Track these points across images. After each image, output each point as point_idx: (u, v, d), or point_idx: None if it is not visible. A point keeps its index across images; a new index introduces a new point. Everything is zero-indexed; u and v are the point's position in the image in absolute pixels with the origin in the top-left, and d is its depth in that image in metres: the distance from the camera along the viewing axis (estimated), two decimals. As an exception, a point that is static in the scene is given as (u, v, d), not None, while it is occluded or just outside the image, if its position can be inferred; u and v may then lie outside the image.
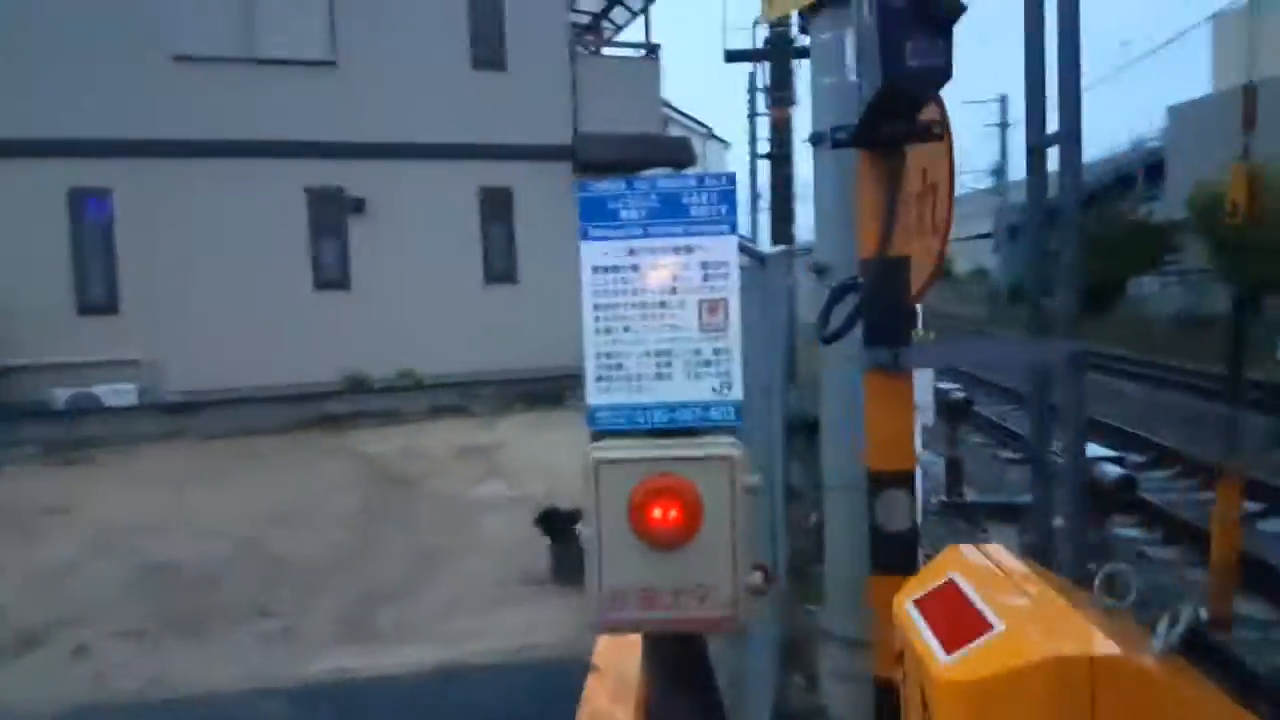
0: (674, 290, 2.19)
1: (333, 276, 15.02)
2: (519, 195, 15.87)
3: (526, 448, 11.45)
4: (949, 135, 3.23)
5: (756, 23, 15.00)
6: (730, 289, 2.20)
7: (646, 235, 2.22)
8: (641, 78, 16.42)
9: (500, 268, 15.89)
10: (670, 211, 2.20)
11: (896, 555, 2.62)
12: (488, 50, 15.41)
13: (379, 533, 8.21)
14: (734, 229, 2.23)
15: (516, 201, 15.88)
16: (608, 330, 2.21)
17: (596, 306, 2.20)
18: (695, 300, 2.15)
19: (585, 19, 19.89)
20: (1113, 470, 8.12)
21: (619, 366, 2.22)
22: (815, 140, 3.94)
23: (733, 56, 16.79)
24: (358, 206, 14.96)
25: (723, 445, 2.04)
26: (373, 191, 15.06)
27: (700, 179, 2.22)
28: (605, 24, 21.11)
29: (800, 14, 4.17)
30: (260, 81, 14.55)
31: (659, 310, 2.21)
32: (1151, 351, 20.42)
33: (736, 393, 2.25)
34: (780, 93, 15.35)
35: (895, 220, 2.45)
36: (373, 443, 12.25)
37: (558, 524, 6.67)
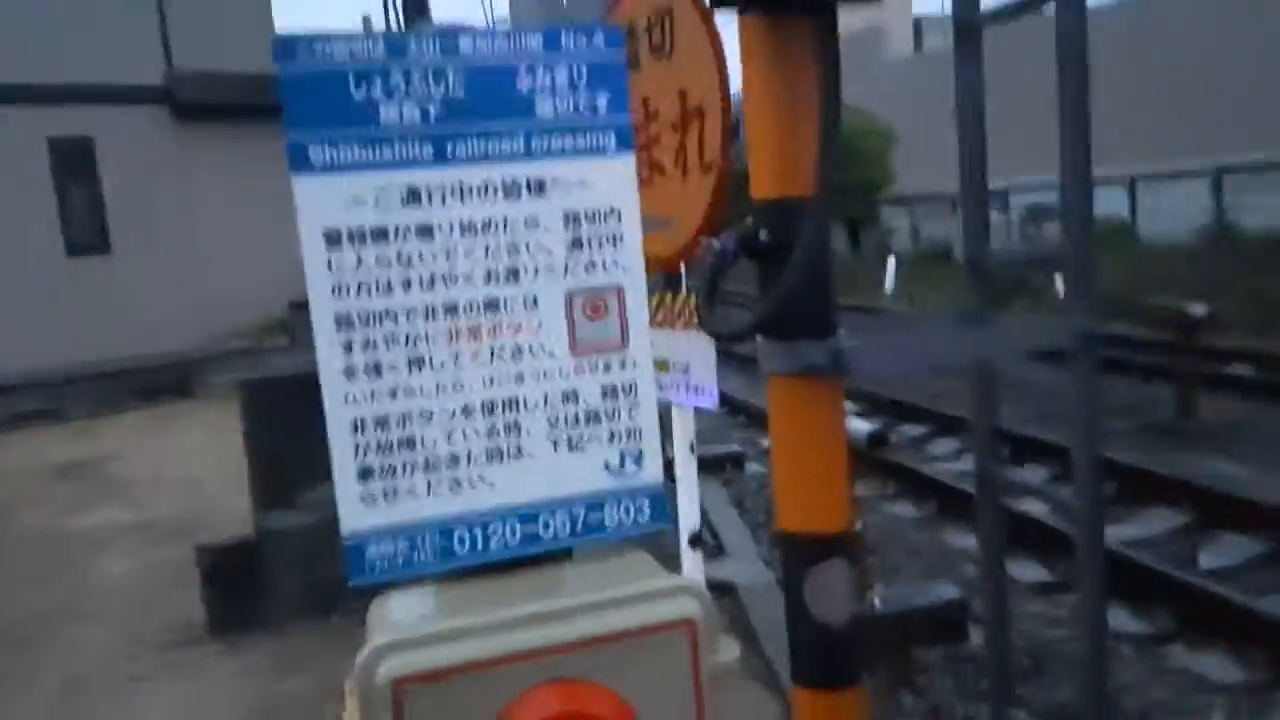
0: (513, 275, 1.02)
1: None
2: (104, 147, 13.05)
3: (148, 456, 9.41)
4: (716, 41, 2.23)
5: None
6: (628, 265, 1.07)
7: (444, 158, 1.01)
8: (253, 4, 14.08)
9: (87, 236, 13.03)
10: (493, 105, 1.01)
11: (834, 660, 1.66)
12: (41, -38, 12.34)
13: (-56, 600, 6.07)
14: (627, 142, 1.09)
15: (101, 155, 13.05)
16: (374, 369, 0.99)
17: (343, 319, 0.96)
18: (560, 293, 0.99)
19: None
20: (862, 427, 7.96)
21: (407, 444, 1.01)
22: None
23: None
24: None
25: (662, 587, 0.92)
26: (-103, 144, 11.64)
27: (553, 35, 1.03)
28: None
29: None
30: None
31: (486, 318, 1.02)
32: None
33: (652, 466, 1.12)
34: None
35: (835, 133, 1.44)
36: (-74, 470, 9.49)
37: (218, 561, 5.18)
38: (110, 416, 11.69)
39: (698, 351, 2.54)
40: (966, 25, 1.86)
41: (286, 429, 5.13)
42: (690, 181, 2.21)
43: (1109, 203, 20.31)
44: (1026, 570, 5.25)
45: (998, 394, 1.95)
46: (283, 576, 5.41)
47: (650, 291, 1.72)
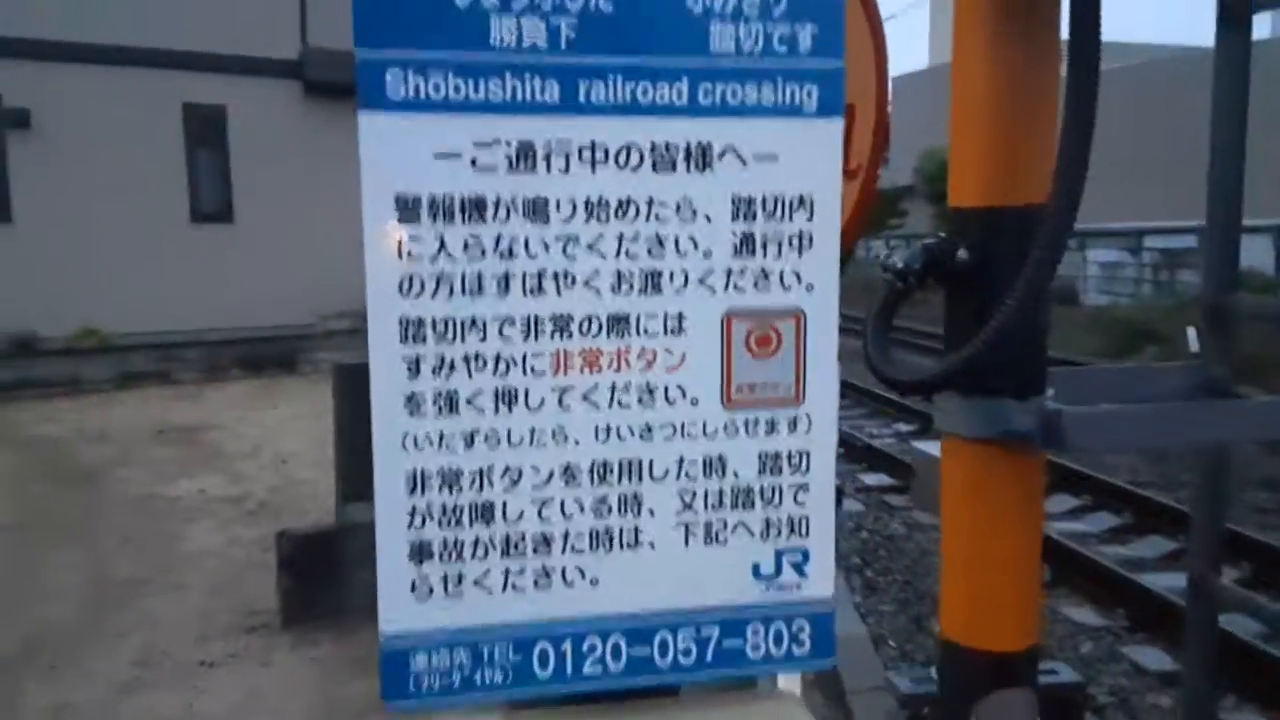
0: (653, 282, 0.60)
1: (-16, 207, 11.93)
2: (235, 117, 13.29)
3: (248, 427, 9.47)
4: (876, 24, 1.86)
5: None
6: (817, 281, 0.66)
7: (574, 103, 0.61)
8: None
9: (211, 204, 13.29)
10: (651, 30, 0.60)
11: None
12: (193, -66, 12.65)
13: (38, 556, 6.11)
14: (836, 99, 0.69)
15: (232, 125, 13.30)
16: (447, 402, 0.60)
17: (411, 327, 0.57)
18: (717, 314, 0.58)
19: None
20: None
21: (483, 514, 0.62)
22: None
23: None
24: (20, 119, 11.89)
25: None
26: (42, 102, 12.04)
27: None
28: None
29: None
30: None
31: (609, 342, 0.62)
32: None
33: (821, 577, 0.70)
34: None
35: (1089, 127, 1.06)
36: (41, 422, 9.82)
37: (297, 550, 5.06)
38: (216, 384, 11.89)
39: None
40: (1233, 7, 1.46)
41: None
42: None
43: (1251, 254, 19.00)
44: (1149, 656, 4.71)
45: (1228, 487, 1.53)
46: (359, 572, 5.28)
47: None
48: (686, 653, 0.77)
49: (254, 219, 13.30)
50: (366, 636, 4.81)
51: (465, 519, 0.74)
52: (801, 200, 0.76)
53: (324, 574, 5.30)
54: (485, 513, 0.75)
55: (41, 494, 7.51)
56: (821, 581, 0.79)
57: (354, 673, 4.48)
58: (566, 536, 0.76)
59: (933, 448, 7.57)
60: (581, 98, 0.73)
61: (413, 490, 0.73)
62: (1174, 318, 14.36)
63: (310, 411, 9.44)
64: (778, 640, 0.79)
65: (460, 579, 0.75)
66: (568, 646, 0.76)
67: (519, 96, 0.72)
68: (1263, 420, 1.30)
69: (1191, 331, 1.60)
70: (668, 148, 0.75)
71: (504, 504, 0.75)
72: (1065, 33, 1.13)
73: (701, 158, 0.75)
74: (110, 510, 7.08)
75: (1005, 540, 1.30)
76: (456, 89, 0.71)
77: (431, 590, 0.74)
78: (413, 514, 0.74)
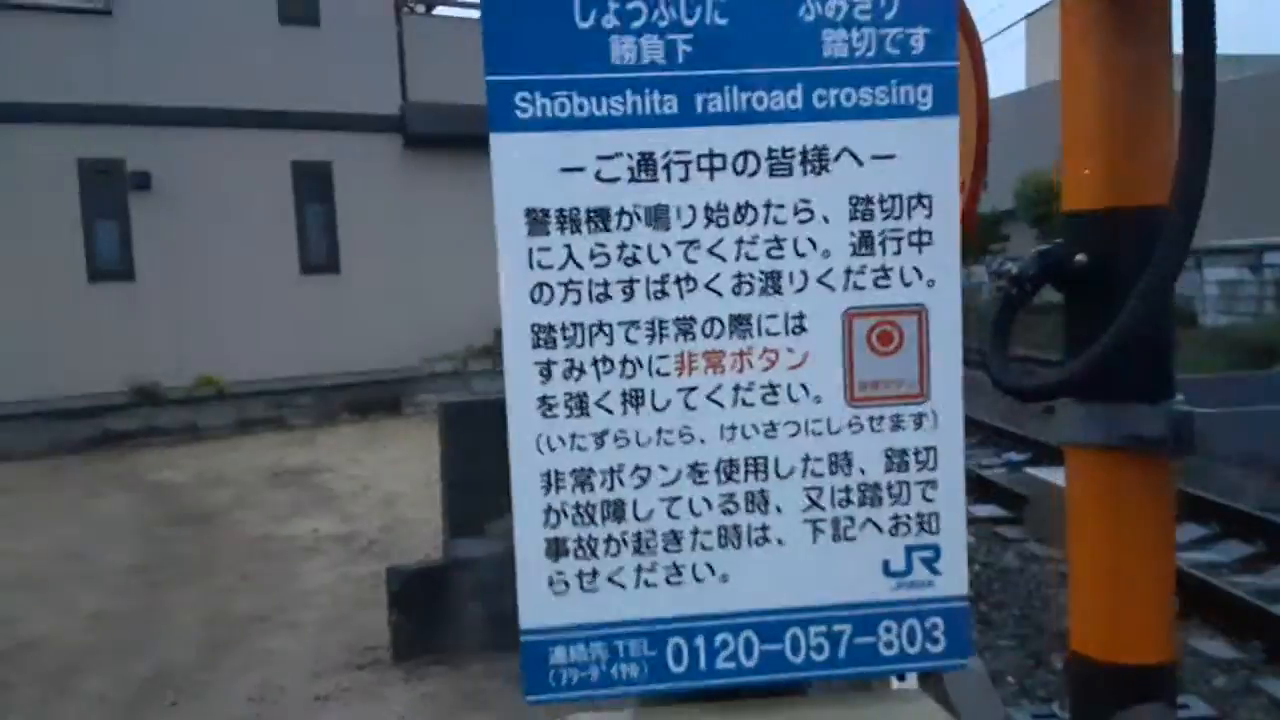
0: (773, 282, 0.61)
1: (111, 265, 12.61)
2: (340, 172, 13.85)
3: (356, 468, 9.73)
4: (974, 43, 1.84)
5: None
6: (938, 277, 0.66)
7: (692, 114, 0.64)
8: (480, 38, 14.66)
9: (319, 256, 13.83)
10: (764, 41, 0.63)
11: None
12: (297, 1, 13.28)
13: (161, 595, 6.38)
14: (950, 98, 0.70)
15: (337, 179, 13.86)
16: (578, 404, 0.62)
17: (543, 333, 0.60)
18: (838, 312, 0.59)
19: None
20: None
21: (614, 512, 0.64)
22: None
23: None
24: (142, 182, 12.61)
25: None
26: (161, 165, 12.76)
27: None
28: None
29: None
30: (17, 32, 11.97)
31: (732, 342, 0.63)
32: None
33: (954, 573, 0.69)
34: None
35: (1209, 124, 1.05)
36: (164, 467, 10.27)
37: (407, 586, 5.16)
38: (327, 428, 12.29)
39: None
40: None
41: (481, 453, 5.06)
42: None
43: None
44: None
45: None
46: (468, 606, 5.37)
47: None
48: (818, 649, 0.78)
49: (358, 268, 13.78)
50: (476, 671, 4.87)
51: (598, 517, 0.77)
52: (920, 198, 0.78)
53: (433, 609, 5.40)
54: (616, 510, 0.77)
55: (165, 536, 7.84)
56: (955, 579, 0.79)
57: (465, 706, 4.52)
58: (695, 533, 0.78)
59: (1048, 474, 7.30)
60: (699, 109, 0.76)
61: (547, 489, 0.76)
62: (1301, 335, 13.57)
63: (416, 453, 9.67)
64: (911, 638, 0.79)
65: (594, 575, 0.77)
66: (700, 642, 0.77)
67: (638, 111, 0.76)
68: None
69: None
70: (784, 152, 0.77)
71: (634, 502, 0.77)
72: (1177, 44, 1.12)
73: (818, 160, 0.77)
74: (228, 550, 7.35)
75: (1136, 551, 1.26)
76: (580, 107, 0.75)
77: (567, 586, 0.77)
78: (548, 512, 0.76)
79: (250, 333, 12.89)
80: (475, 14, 14.70)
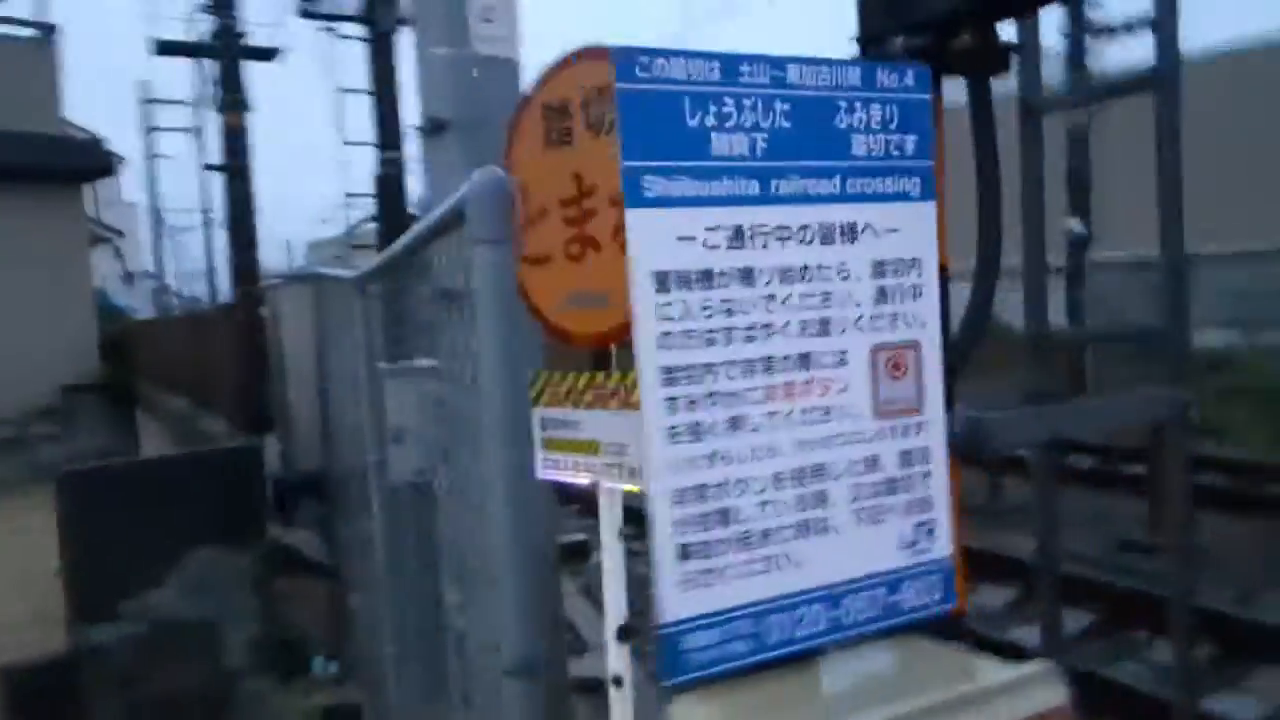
0: (824, 327, 0.93)
1: None
2: None
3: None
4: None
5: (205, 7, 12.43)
6: (927, 319, 1.01)
7: (768, 196, 0.92)
8: (29, 64, 12.92)
9: None
10: (815, 140, 0.93)
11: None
12: None
13: None
14: (930, 188, 1.04)
15: None
16: (693, 431, 0.87)
17: (670, 373, 0.84)
18: (866, 348, 0.91)
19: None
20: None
21: (722, 518, 0.89)
22: (431, 129, 2.74)
23: (168, 49, 13.97)
24: None
25: (1026, 675, 0.86)
26: None
27: (869, 70, 0.98)
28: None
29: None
30: None
31: (799, 374, 0.93)
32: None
33: (944, 540, 1.04)
34: (233, 95, 13.02)
35: (997, 197, 1.42)
36: None
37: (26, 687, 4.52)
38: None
39: (632, 433, 2.45)
40: (1031, 107, 1.92)
41: (108, 527, 4.61)
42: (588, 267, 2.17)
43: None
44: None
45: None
46: (105, 700, 4.75)
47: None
48: (862, 611, 1.00)
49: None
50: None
51: (711, 523, 0.93)
52: (914, 261, 1.04)
53: (63, 706, 4.76)
54: (724, 517, 0.94)
55: None
56: (944, 543, 1.05)
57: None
58: (780, 529, 0.96)
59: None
60: (773, 190, 0.96)
61: (676, 504, 0.91)
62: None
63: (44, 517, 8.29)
64: (919, 593, 1.04)
65: (710, 572, 0.93)
66: (786, 617, 0.96)
67: (732, 192, 0.94)
68: (1113, 413, 1.74)
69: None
70: (830, 225, 0.99)
71: (737, 508, 0.94)
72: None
73: (851, 232, 1.00)
74: None
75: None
76: (690, 188, 0.91)
77: (694, 583, 0.92)
78: (676, 524, 0.91)
79: None
80: (25, 31, 12.97)
